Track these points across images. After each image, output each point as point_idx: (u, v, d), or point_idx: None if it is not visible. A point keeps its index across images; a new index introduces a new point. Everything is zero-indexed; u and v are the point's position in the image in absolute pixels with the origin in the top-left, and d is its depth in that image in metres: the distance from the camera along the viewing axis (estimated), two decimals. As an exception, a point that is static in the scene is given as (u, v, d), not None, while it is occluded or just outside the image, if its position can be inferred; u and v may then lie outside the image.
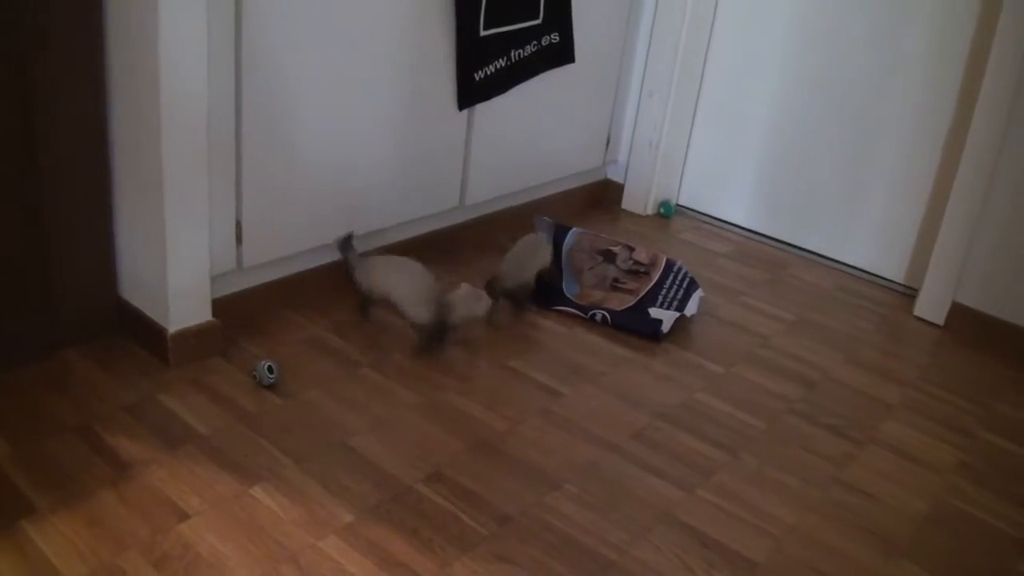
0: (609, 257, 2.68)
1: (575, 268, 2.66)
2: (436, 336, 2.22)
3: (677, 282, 2.59)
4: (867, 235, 2.98)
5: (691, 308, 2.52)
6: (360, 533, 1.63)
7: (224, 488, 1.71)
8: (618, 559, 1.65)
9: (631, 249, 2.70)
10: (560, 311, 2.52)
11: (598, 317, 2.48)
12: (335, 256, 2.41)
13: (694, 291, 2.56)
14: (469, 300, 2.22)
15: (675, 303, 2.52)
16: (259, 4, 1.99)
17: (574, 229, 2.75)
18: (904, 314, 2.77)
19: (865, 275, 3.00)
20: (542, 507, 1.76)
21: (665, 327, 2.42)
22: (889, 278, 2.96)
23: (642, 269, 2.65)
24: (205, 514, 1.64)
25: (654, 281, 2.59)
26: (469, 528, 1.68)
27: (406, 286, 2.21)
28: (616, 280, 2.62)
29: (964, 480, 2.01)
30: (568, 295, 2.56)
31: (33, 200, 1.91)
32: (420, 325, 2.21)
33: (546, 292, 2.53)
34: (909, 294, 2.87)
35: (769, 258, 3.07)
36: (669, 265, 2.64)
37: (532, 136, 2.88)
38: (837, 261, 3.06)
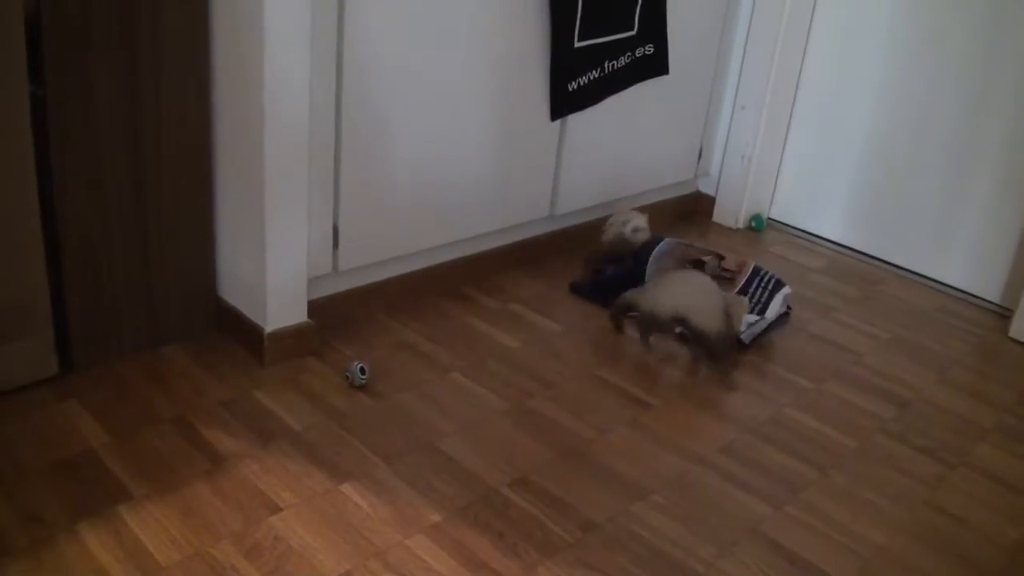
0: (698, 266, 2.66)
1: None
2: (727, 344, 2.27)
3: (762, 285, 2.56)
4: (962, 254, 2.91)
5: (772, 311, 2.49)
6: (447, 533, 1.65)
7: (315, 484, 1.74)
8: (705, 572, 1.64)
9: (721, 258, 2.69)
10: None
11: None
12: (427, 263, 2.45)
13: (779, 290, 2.52)
14: (742, 305, 2.39)
15: (758, 306, 2.49)
16: (360, 13, 2.03)
17: (668, 239, 2.73)
18: (999, 335, 2.70)
19: (960, 294, 2.94)
20: (628, 516, 1.76)
21: (746, 337, 2.40)
22: (984, 298, 2.89)
23: (728, 275, 2.63)
24: (296, 508, 1.68)
25: (739, 286, 2.56)
26: (554, 534, 1.69)
27: (697, 297, 2.25)
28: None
29: (1061, 508, 1.96)
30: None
31: (137, 200, 1.97)
32: (717, 335, 2.23)
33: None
34: (1005, 315, 2.80)
35: (862, 274, 3.02)
36: (756, 271, 2.60)
37: (624, 147, 2.89)
38: (931, 279, 3.00)
